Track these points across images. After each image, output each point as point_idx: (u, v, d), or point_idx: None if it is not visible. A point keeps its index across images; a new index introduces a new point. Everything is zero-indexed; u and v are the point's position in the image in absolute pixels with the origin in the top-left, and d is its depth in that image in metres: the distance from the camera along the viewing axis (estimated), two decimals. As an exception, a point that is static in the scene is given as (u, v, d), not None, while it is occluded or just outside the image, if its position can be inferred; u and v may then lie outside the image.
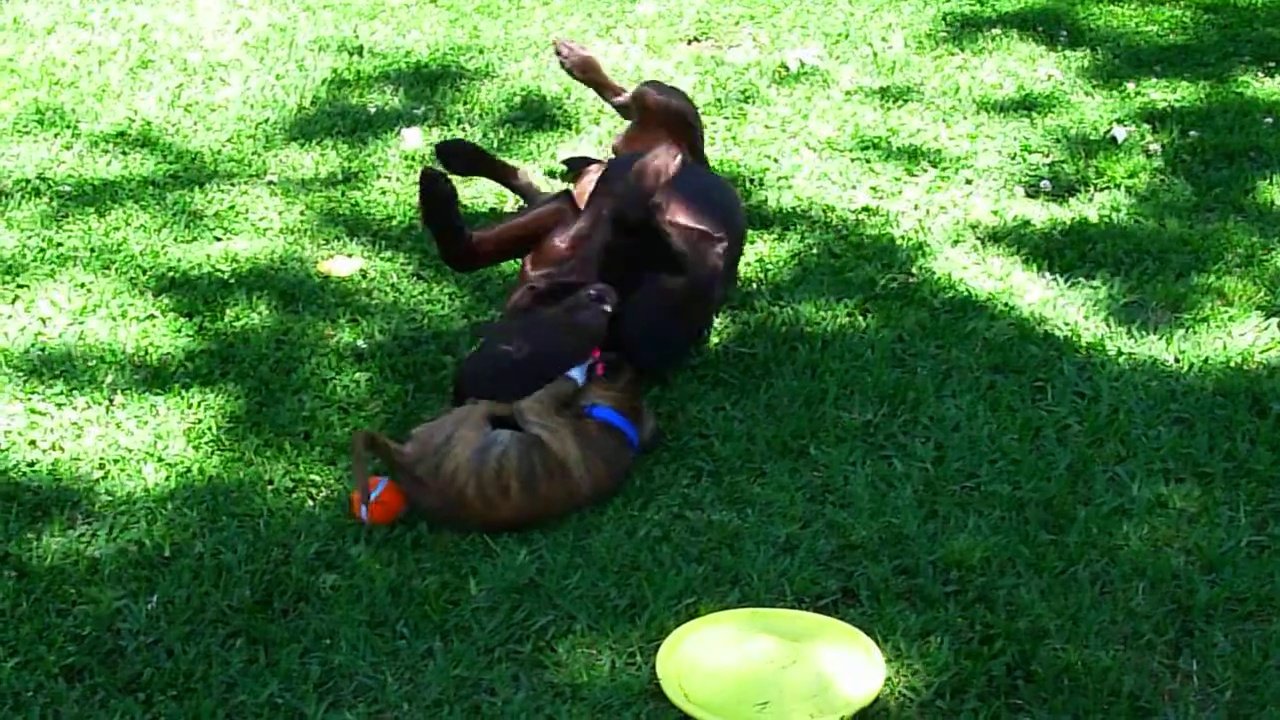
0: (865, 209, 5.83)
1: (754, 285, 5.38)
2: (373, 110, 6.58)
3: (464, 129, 6.39)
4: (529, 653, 3.98)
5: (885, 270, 5.46)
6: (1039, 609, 4.06)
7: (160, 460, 4.62)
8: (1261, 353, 5.01)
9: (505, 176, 5.74)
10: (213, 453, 4.66)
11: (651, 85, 5.70)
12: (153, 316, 5.24)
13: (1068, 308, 5.24)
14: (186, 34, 7.26)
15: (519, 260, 5.11)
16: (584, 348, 4.66)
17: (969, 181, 6.01)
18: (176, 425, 4.76)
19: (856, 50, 7.07)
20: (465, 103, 6.63)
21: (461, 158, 5.61)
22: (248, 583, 4.17)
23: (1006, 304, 5.27)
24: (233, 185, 6.02)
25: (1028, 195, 5.93)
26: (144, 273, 5.46)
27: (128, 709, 3.82)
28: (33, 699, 3.85)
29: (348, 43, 7.18)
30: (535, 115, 6.53)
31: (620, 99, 5.90)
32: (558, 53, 5.99)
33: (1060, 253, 5.53)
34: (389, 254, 5.57)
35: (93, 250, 5.59)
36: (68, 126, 6.45)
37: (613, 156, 5.58)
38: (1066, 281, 5.38)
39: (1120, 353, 5.02)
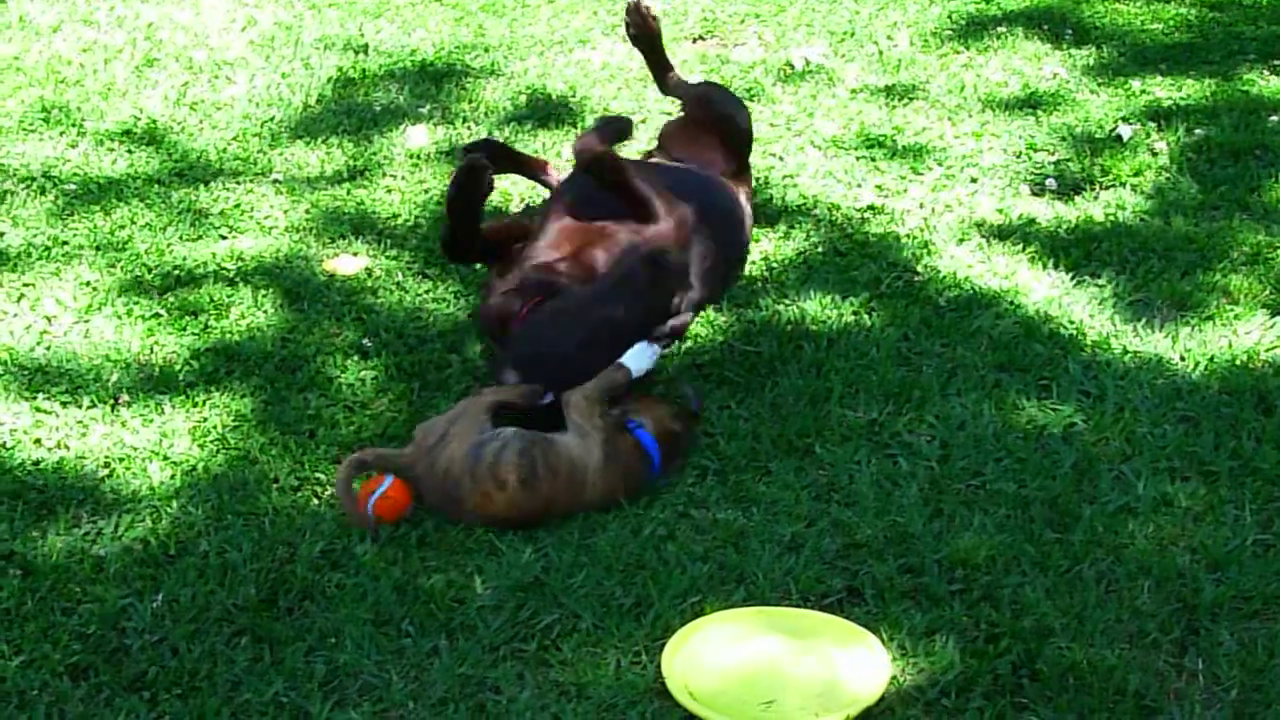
0: (870, 207, 5.83)
1: (759, 283, 5.38)
2: (378, 108, 6.58)
3: (469, 127, 6.39)
4: (534, 651, 3.98)
5: (890, 268, 5.46)
6: (1044, 607, 4.05)
7: (165, 459, 4.62)
8: (1267, 351, 5.01)
9: (535, 171, 5.73)
10: (218, 451, 4.66)
11: (716, 91, 5.71)
12: (158, 315, 5.24)
13: (1073, 306, 5.24)
14: (192, 32, 7.27)
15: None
16: (665, 301, 4.74)
17: (974, 180, 6.01)
18: (182, 424, 4.76)
19: (862, 48, 7.07)
20: (470, 101, 6.63)
21: (493, 157, 5.55)
22: (253, 581, 4.18)
23: (1012, 302, 5.26)
24: (238, 183, 6.03)
25: (1033, 193, 5.93)
26: (149, 271, 5.46)
27: (132, 707, 3.82)
28: (38, 697, 3.86)
29: (353, 41, 7.18)
30: (540, 113, 6.53)
31: (669, 81, 5.86)
32: (629, 10, 5.90)
33: (1065, 251, 5.53)
34: (394, 252, 5.58)
35: (98, 248, 5.59)
36: (73, 124, 6.45)
37: (658, 146, 5.67)
38: (1072, 280, 5.38)
39: (1126, 351, 5.02)
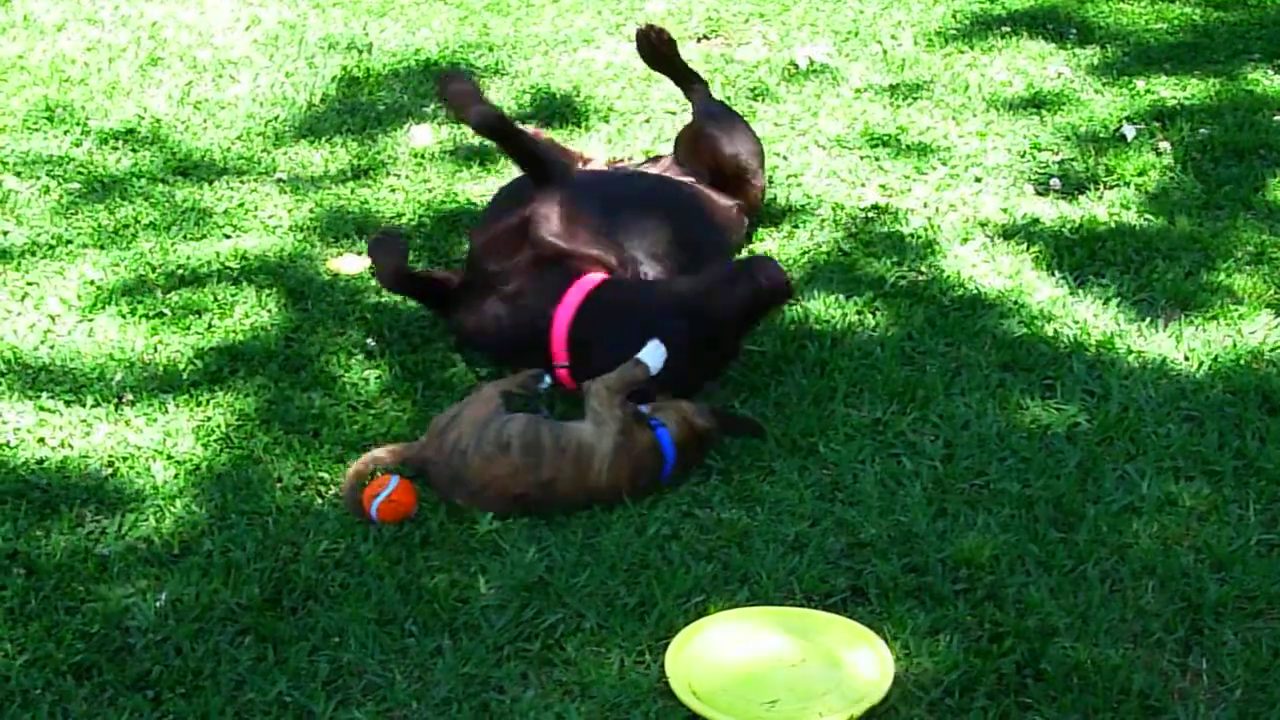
0: (874, 206, 5.83)
1: (763, 283, 5.38)
2: (382, 108, 6.58)
3: (473, 126, 6.39)
4: (538, 651, 3.98)
5: (894, 268, 5.45)
6: (1048, 607, 4.05)
7: (169, 458, 4.62)
8: (1271, 350, 5.00)
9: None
10: (222, 450, 4.66)
11: (717, 126, 5.61)
12: (162, 314, 5.24)
13: (1077, 305, 5.24)
14: (196, 31, 7.27)
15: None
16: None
17: (978, 179, 6.01)
18: (185, 423, 4.76)
19: (866, 48, 7.07)
20: (474, 100, 6.62)
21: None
22: (256, 580, 4.18)
23: (1016, 302, 5.26)
24: (242, 183, 6.03)
25: (1037, 193, 5.92)
26: (153, 270, 5.46)
27: (136, 706, 3.82)
28: (41, 696, 3.86)
29: (357, 40, 7.18)
30: (545, 113, 6.53)
31: (691, 98, 5.84)
32: (638, 36, 5.84)
33: (1070, 250, 5.52)
34: (398, 251, 5.57)
35: (102, 247, 5.59)
36: (77, 123, 6.45)
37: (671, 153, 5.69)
38: (1076, 279, 5.37)
39: (1130, 350, 5.02)
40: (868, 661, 3.91)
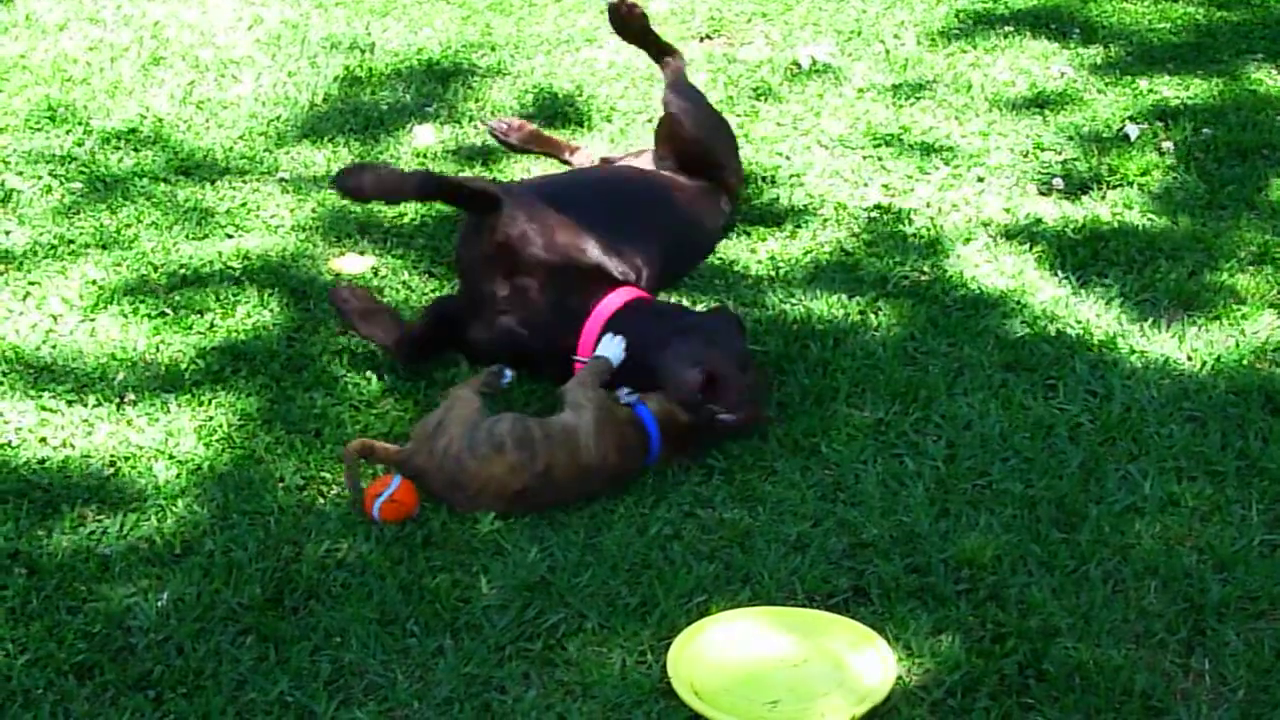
0: (877, 206, 5.82)
1: (765, 282, 5.37)
2: (385, 107, 6.58)
3: (476, 126, 6.39)
4: (540, 651, 3.98)
5: (897, 268, 5.45)
6: (1051, 607, 4.05)
7: (171, 457, 4.62)
8: (1274, 350, 5.00)
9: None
10: (224, 450, 4.66)
11: (680, 107, 5.63)
12: (164, 313, 5.24)
13: (1080, 305, 5.23)
14: (198, 31, 7.27)
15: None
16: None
17: (981, 179, 6.00)
18: (187, 423, 4.76)
19: (869, 47, 7.06)
20: (477, 100, 6.63)
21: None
22: (258, 580, 4.17)
23: (1019, 302, 5.26)
24: (244, 182, 6.03)
25: (1040, 193, 5.92)
26: (155, 269, 5.46)
27: (138, 706, 3.82)
28: (43, 696, 3.86)
29: (360, 40, 7.18)
30: (548, 113, 6.52)
31: (664, 74, 5.85)
32: (610, 10, 5.89)
33: (1073, 250, 5.52)
34: (400, 251, 5.57)
35: (104, 247, 5.59)
36: (79, 123, 6.45)
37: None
38: (1079, 279, 5.37)
39: (1133, 350, 5.01)
40: (870, 662, 3.91)
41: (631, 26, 5.82)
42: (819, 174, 6.03)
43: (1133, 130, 6.26)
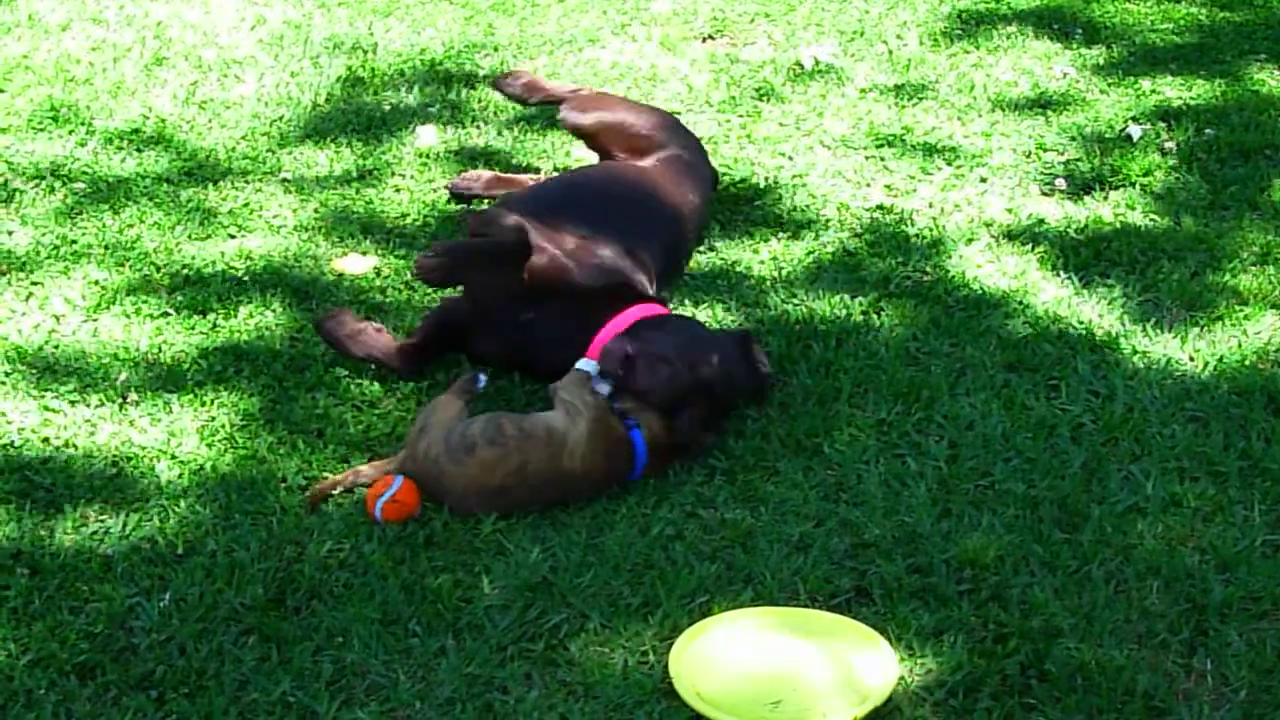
0: (880, 207, 5.82)
1: (768, 282, 5.37)
2: (387, 108, 6.58)
3: (478, 126, 6.39)
4: (542, 651, 3.98)
5: (899, 268, 5.45)
6: (1053, 608, 4.05)
7: (173, 458, 4.63)
8: (1276, 351, 5.00)
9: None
10: (226, 450, 4.66)
11: (573, 107, 5.78)
12: (166, 314, 5.24)
13: (1082, 306, 5.23)
14: (201, 31, 7.27)
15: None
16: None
17: (984, 179, 6.00)
18: (190, 423, 4.76)
19: (871, 48, 7.06)
20: (479, 100, 6.63)
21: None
22: (260, 580, 4.18)
23: (1021, 302, 5.26)
24: (247, 183, 6.03)
25: (1043, 193, 5.92)
26: (158, 270, 5.46)
27: (140, 706, 3.83)
28: (45, 696, 3.86)
29: (362, 40, 7.18)
30: (549, 113, 6.50)
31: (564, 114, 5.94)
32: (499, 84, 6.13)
33: (1075, 251, 5.52)
34: (403, 252, 5.57)
35: (106, 247, 5.59)
36: (82, 123, 6.45)
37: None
38: (1081, 279, 5.37)
39: (1135, 351, 5.01)
40: (872, 662, 3.91)
41: (525, 97, 6.09)
42: (821, 174, 6.03)
43: (1135, 131, 6.26)
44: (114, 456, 4.62)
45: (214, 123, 6.49)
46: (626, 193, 5.34)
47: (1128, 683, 3.84)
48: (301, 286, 5.37)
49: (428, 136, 6.32)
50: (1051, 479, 4.49)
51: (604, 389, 4.56)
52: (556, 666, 3.94)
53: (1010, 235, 5.64)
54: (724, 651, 3.96)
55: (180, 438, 4.70)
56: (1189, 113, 6.41)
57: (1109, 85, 6.69)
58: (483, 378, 4.70)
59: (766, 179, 5.99)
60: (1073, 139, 6.25)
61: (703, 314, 5.21)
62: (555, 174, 5.86)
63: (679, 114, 6.38)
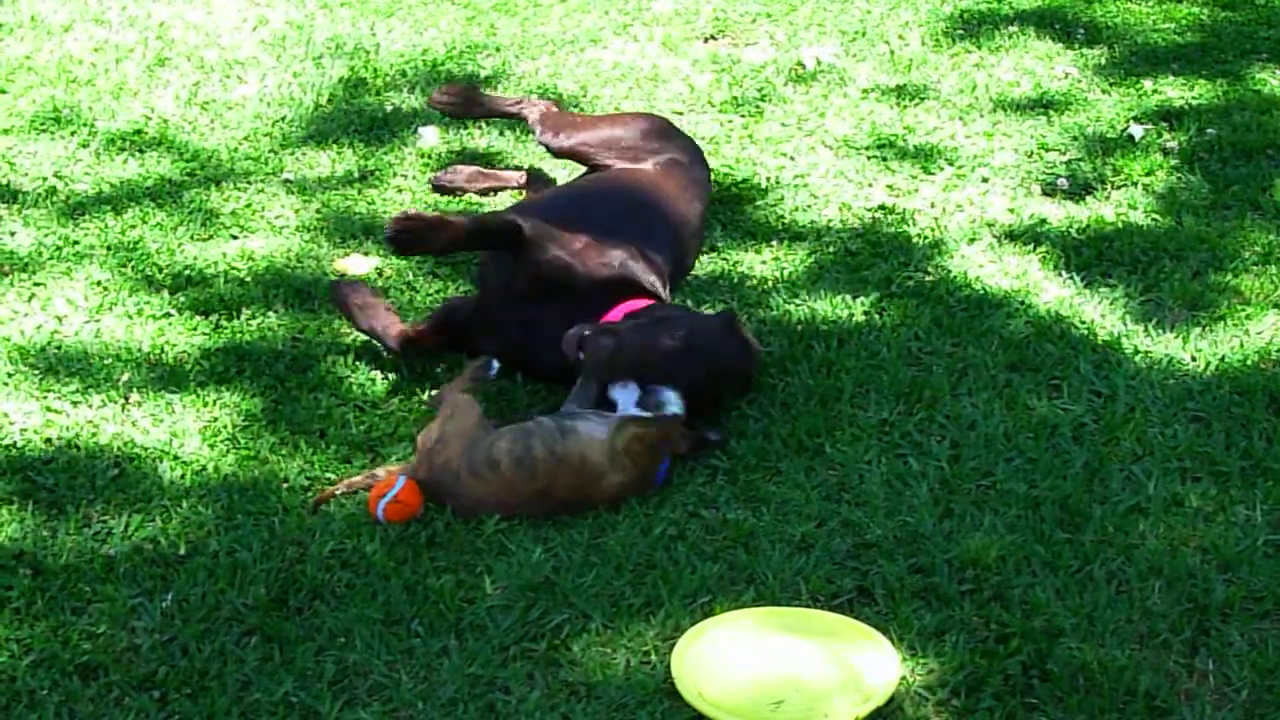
0: (881, 207, 5.83)
1: (770, 283, 5.38)
2: (389, 108, 6.58)
3: (480, 127, 6.39)
4: (544, 651, 3.98)
5: (901, 268, 5.45)
6: (1055, 608, 4.05)
7: (176, 458, 4.63)
8: (1278, 351, 5.00)
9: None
10: (228, 451, 4.67)
11: (548, 139, 5.78)
12: (169, 315, 5.24)
13: (1084, 306, 5.23)
14: (203, 32, 7.27)
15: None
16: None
17: (985, 180, 6.00)
18: (192, 423, 4.77)
19: (873, 48, 7.06)
20: (481, 101, 6.63)
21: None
22: (263, 581, 4.18)
23: (1023, 302, 5.26)
24: (249, 184, 6.03)
25: (1044, 193, 5.92)
26: (160, 271, 5.47)
27: (142, 707, 3.83)
28: (47, 697, 3.86)
29: (364, 41, 7.18)
30: (551, 113, 6.52)
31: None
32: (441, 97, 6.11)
33: (1077, 251, 5.52)
34: (405, 252, 5.57)
35: (109, 248, 5.59)
36: (84, 124, 6.45)
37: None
38: (1083, 280, 5.37)
39: (1137, 351, 5.01)
40: (874, 662, 3.91)
41: (470, 110, 6.11)
42: (823, 175, 6.03)
43: (1137, 131, 6.26)
44: (116, 457, 4.63)
45: (216, 123, 6.49)
46: (634, 197, 5.34)
47: (1130, 683, 3.84)
48: (304, 287, 5.37)
49: (430, 137, 6.33)
50: (1053, 479, 4.49)
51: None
52: (559, 667, 3.94)
53: (1012, 235, 5.64)
54: (726, 652, 3.96)
55: (183, 438, 4.70)
56: (1191, 112, 6.41)
57: (1111, 85, 6.69)
58: (495, 364, 4.70)
59: (768, 179, 5.99)
60: (1074, 139, 6.25)
61: (705, 314, 5.21)
62: (561, 185, 5.84)
63: (680, 114, 6.39)
